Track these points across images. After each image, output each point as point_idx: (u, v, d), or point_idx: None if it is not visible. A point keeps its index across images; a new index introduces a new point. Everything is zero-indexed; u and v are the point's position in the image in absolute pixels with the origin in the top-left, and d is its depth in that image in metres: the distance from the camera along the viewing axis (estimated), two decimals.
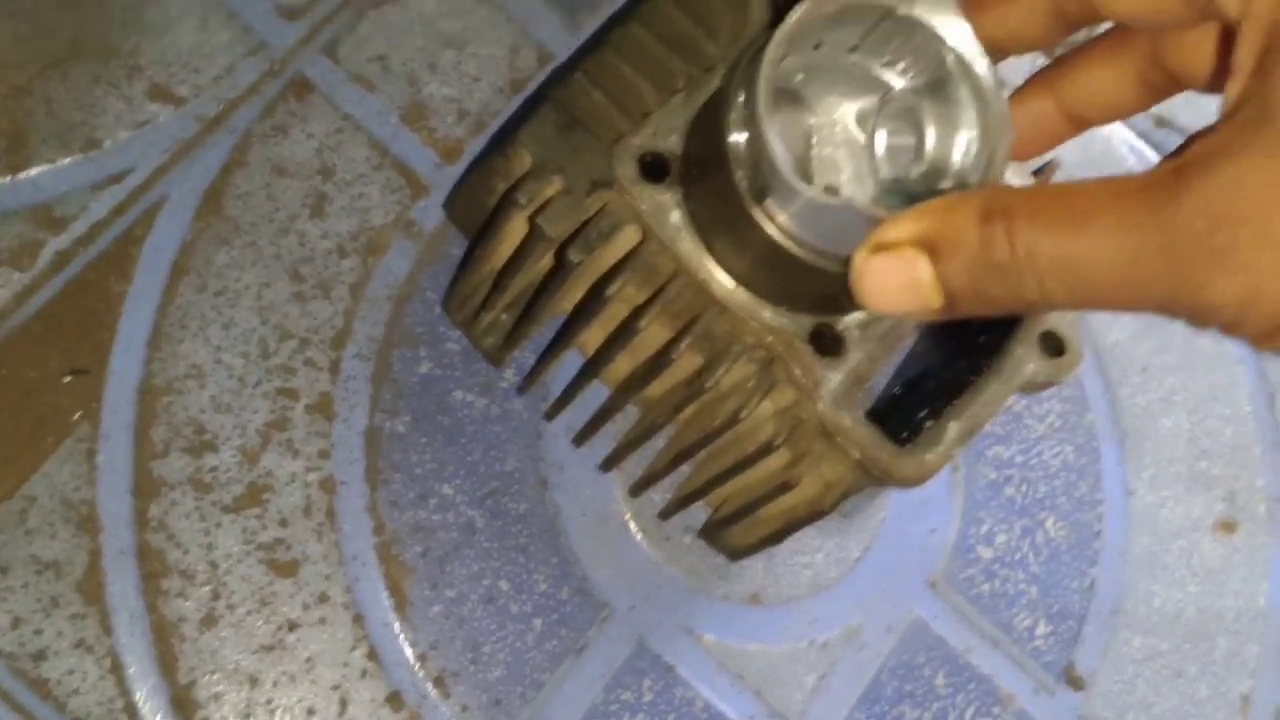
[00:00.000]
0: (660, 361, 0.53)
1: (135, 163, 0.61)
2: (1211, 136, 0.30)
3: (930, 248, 0.34)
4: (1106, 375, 0.72)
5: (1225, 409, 0.73)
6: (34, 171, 0.60)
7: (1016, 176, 0.54)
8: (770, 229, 0.46)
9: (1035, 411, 0.70)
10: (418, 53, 0.66)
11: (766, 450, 0.53)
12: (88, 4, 0.63)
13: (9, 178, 0.60)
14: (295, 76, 0.64)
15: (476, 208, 0.57)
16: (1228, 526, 0.70)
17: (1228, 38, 0.34)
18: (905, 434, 0.53)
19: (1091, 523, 0.69)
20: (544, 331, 0.60)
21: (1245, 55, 0.30)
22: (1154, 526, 0.69)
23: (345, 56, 0.65)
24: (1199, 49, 0.39)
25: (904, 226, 0.34)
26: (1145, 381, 0.72)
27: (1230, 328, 0.30)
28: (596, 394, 0.60)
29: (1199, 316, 0.30)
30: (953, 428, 0.52)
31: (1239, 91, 0.30)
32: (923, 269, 0.34)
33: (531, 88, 0.67)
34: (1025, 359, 0.53)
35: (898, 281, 0.35)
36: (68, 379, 0.59)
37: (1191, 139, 0.31)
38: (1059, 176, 0.61)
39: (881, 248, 0.35)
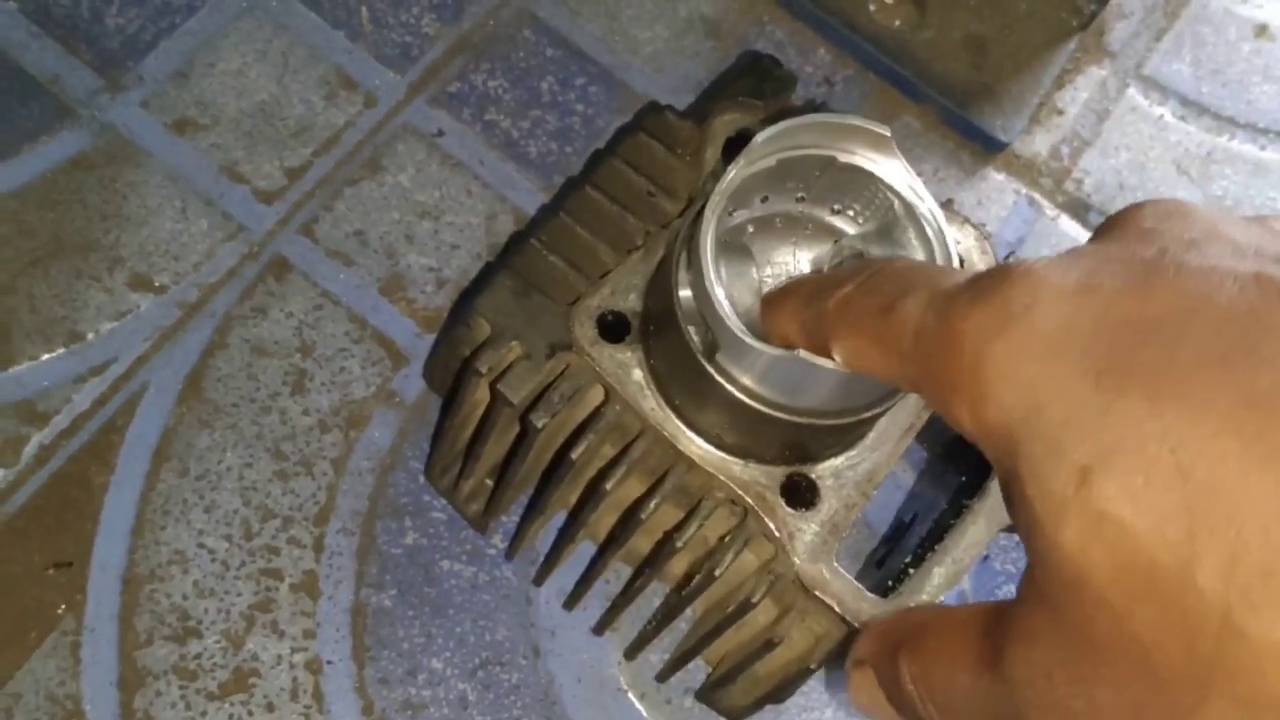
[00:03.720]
0: (636, 517, 0.52)
1: (117, 353, 0.62)
2: (1024, 577, 0.32)
3: (875, 671, 0.38)
4: None
5: None
6: (17, 368, 0.61)
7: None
8: (725, 384, 0.46)
9: None
10: (394, 225, 0.67)
11: (749, 606, 0.51)
12: (68, 201, 0.64)
13: None
14: (274, 257, 0.65)
15: (448, 376, 0.57)
16: None
17: None
18: (892, 581, 0.51)
19: None
20: (528, 493, 0.59)
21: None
22: None
23: (323, 234, 0.66)
24: None
25: (862, 648, 0.39)
26: None
27: None
28: (586, 554, 0.59)
29: None
30: (936, 573, 0.50)
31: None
32: (878, 689, 0.38)
33: None
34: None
35: (866, 698, 0.38)
36: (51, 572, 0.59)
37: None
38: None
39: (857, 664, 0.39)
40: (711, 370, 0.46)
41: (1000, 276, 0.32)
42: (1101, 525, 0.28)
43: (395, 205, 0.67)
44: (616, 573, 0.60)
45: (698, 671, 0.60)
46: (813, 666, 0.52)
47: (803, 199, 0.49)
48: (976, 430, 0.31)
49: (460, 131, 0.70)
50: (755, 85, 0.58)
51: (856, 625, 0.49)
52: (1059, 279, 0.31)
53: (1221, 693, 0.27)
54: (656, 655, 0.61)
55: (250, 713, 0.58)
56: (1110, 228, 0.34)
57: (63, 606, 0.58)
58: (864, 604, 0.49)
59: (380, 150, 0.68)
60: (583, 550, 0.59)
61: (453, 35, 0.72)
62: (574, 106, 0.72)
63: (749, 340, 0.43)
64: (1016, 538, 0.67)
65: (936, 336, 0.32)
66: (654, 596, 0.58)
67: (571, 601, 0.61)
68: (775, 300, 0.42)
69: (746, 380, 0.46)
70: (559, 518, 0.60)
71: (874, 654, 0.37)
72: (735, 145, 0.55)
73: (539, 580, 0.61)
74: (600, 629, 0.61)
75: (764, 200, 0.49)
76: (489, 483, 0.59)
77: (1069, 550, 0.28)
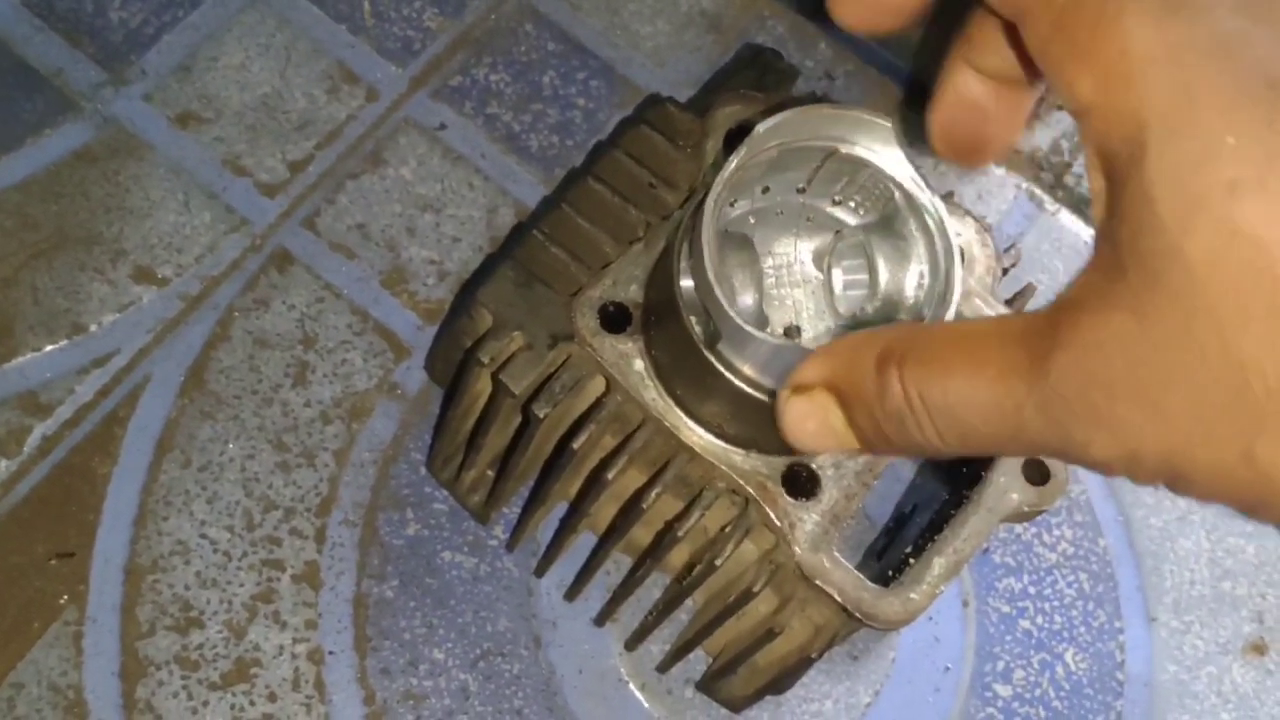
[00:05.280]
0: (637, 508, 0.52)
1: (120, 345, 0.63)
2: (1080, 282, 0.29)
3: (837, 392, 0.34)
4: (1118, 498, 0.70)
5: (1245, 524, 0.70)
6: (20, 360, 0.61)
7: (989, 308, 0.53)
8: (727, 374, 0.46)
9: (1045, 539, 0.68)
10: (396, 218, 0.67)
11: (749, 596, 0.52)
12: (71, 194, 0.65)
13: None
14: (276, 250, 0.66)
15: (450, 367, 0.57)
16: (1258, 648, 0.67)
17: None
18: (892, 572, 0.52)
19: (1113, 653, 0.66)
20: (529, 485, 0.60)
21: (1095, 179, 0.29)
22: (1179, 654, 0.67)
23: (325, 227, 0.66)
24: None
25: (815, 369, 0.34)
26: (1159, 502, 0.70)
27: (1122, 476, 0.29)
28: (587, 545, 0.59)
29: (1087, 467, 0.30)
30: (937, 564, 0.50)
31: (1098, 223, 0.29)
32: (834, 413, 0.34)
33: None
34: (1009, 488, 0.52)
35: (813, 424, 0.35)
36: (54, 562, 0.59)
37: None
38: (1034, 303, 0.61)
39: (799, 389, 0.35)
40: (713, 360, 0.46)
41: None
42: (1236, 240, 0.26)
43: (397, 198, 0.68)
44: (617, 564, 0.60)
45: (698, 662, 0.60)
46: (813, 656, 0.52)
47: (803, 190, 0.49)
48: (1094, 105, 0.29)
49: (462, 125, 0.70)
50: (757, 78, 0.58)
51: (857, 615, 0.49)
52: None
53: None
54: (657, 646, 0.61)
55: (252, 702, 0.58)
56: None
57: (65, 597, 0.58)
58: (864, 593, 0.49)
59: (382, 143, 0.69)
60: (584, 541, 0.60)
61: (454, 29, 0.72)
62: (575, 100, 0.72)
63: (750, 330, 0.43)
64: (1015, 529, 0.68)
65: (1079, 15, 0.29)
66: (655, 587, 0.58)
67: (572, 592, 0.61)
68: None
69: (748, 370, 0.46)
70: (560, 509, 0.60)
71: (838, 373, 0.34)
72: (736, 137, 0.55)
73: (540, 571, 0.61)
74: (601, 620, 0.61)
75: (765, 191, 0.49)
76: (490, 474, 0.59)
77: (1193, 258, 0.26)
